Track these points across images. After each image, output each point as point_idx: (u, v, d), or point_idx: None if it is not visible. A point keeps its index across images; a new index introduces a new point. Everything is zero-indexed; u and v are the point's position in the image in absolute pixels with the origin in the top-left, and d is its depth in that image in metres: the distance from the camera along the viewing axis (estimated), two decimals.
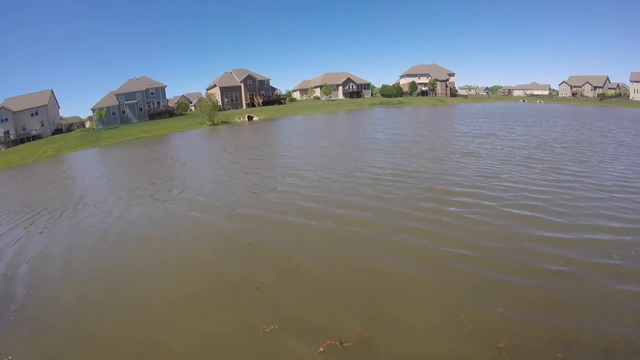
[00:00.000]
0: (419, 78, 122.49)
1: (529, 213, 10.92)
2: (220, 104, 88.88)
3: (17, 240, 13.22)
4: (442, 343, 5.54)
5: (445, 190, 13.83)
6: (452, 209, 11.59)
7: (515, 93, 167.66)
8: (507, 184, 14.42)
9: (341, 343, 5.37)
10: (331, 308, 6.40)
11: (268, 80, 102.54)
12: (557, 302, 6.53)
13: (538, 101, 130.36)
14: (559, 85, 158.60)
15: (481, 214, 10.91)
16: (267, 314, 6.33)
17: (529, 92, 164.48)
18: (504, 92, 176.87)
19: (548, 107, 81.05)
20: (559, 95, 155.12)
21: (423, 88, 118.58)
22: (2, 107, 78.44)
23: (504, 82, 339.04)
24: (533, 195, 12.80)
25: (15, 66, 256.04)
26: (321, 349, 5.26)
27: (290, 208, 12.70)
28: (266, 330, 5.80)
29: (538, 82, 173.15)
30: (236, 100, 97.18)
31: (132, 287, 8.35)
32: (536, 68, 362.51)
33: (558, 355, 5.11)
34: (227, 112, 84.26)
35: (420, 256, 8.39)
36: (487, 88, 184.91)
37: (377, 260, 8.18)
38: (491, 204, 11.86)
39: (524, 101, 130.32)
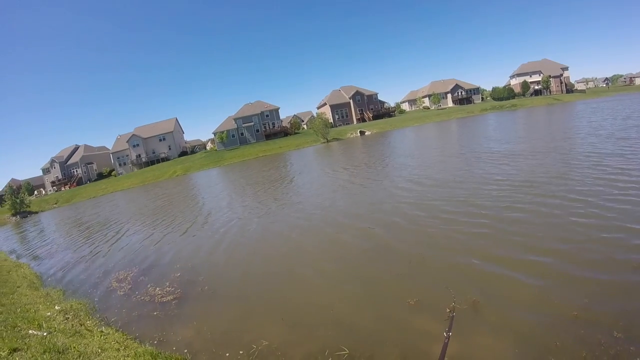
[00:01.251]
0: (530, 76, 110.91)
1: None
2: (331, 120, 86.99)
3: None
4: None
5: None
6: None
7: (638, 81, 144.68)
8: None
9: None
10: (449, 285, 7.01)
11: (376, 94, 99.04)
12: None
13: None
14: None
15: None
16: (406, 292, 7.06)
17: None
18: (625, 81, 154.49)
19: None
20: None
21: (536, 87, 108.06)
22: (133, 134, 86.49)
23: (624, 69, 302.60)
24: None
25: (145, 99, 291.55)
26: (447, 310, 6.11)
27: None
28: (411, 303, 6.61)
29: None
30: (346, 116, 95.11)
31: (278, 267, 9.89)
32: None
33: None
34: (339, 128, 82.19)
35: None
36: (606, 79, 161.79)
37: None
38: None
39: None
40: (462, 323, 5.78)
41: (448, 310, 6.17)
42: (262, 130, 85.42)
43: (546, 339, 5.16)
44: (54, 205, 60.71)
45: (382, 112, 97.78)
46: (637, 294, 5.81)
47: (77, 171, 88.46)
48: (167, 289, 9.71)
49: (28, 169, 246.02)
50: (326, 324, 6.62)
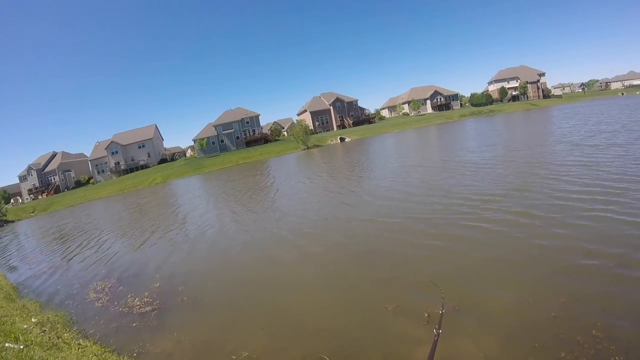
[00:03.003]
0: (508, 82, 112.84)
1: None
2: (312, 127, 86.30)
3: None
4: None
5: None
6: None
7: (613, 86, 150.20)
8: None
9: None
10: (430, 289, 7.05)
11: (356, 100, 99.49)
12: None
13: (638, 92, 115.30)
14: None
15: None
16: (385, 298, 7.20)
17: (627, 82, 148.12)
18: (600, 86, 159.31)
19: None
20: None
21: (513, 93, 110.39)
22: (112, 141, 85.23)
23: (600, 74, 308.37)
24: None
25: (123, 105, 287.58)
26: (426, 315, 6.26)
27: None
28: (389, 308, 6.73)
29: (635, 71, 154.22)
30: (327, 123, 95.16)
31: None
32: (634, 53, 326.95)
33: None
34: (319, 134, 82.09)
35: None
36: (582, 84, 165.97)
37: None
38: None
39: (622, 94, 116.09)
40: (442, 328, 5.77)
41: (427, 314, 6.26)
42: (242, 137, 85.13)
43: (525, 340, 5.24)
44: (31, 214, 59.43)
45: (362, 119, 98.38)
46: (614, 294, 5.97)
47: (54, 179, 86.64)
48: (146, 299, 9.63)
49: (4, 177, 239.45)
50: (307, 332, 6.64)
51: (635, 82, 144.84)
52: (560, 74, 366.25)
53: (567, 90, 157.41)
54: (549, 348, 5.00)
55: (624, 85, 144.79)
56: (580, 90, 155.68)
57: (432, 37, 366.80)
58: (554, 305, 5.90)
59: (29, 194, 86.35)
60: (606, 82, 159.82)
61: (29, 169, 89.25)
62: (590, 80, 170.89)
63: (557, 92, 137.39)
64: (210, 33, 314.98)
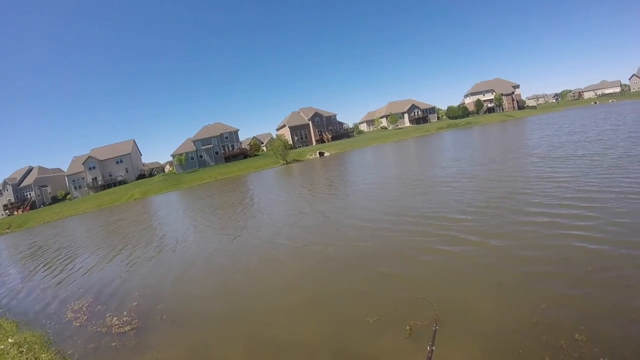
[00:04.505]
0: (484, 95, 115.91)
1: None
2: (291, 142, 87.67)
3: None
4: None
5: None
6: None
7: (586, 95, 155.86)
8: None
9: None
10: (411, 300, 7.39)
11: (334, 115, 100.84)
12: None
13: (610, 100, 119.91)
14: (630, 79, 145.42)
15: None
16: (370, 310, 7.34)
17: (599, 91, 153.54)
18: (574, 96, 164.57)
19: (622, 106, 74.84)
20: (632, 90, 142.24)
21: (489, 105, 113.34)
22: (89, 156, 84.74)
23: (573, 85, 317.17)
24: None
25: (101, 119, 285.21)
26: (408, 328, 6.33)
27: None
28: (371, 321, 6.82)
29: (607, 80, 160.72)
30: (306, 137, 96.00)
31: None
32: (603, 64, 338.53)
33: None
34: (298, 149, 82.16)
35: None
36: (556, 94, 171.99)
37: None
38: None
39: (595, 103, 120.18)
40: (425, 338, 5.89)
41: (408, 327, 6.30)
42: (221, 152, 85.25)
43: (509, 347, 5.31)
44: (7, 231, 58.58)
45: (341, 133, 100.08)
46: (594, 297, 6.16)
47: (30, 194, 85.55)
48: (125, 318, 9.48)
49: None
50: (289, 349, 6.60)
51: (607, 91, 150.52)
52: (535, 86, 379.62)
53: (541, 101, 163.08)
54: (534, 353, 5.08)
55: (596, 94, 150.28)
56: (554, 101, 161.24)
57: (409, 52, 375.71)
58: (536, 312, 6.02)
59: (5, 210, 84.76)
60: (579, 92, 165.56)
61: (5, 183, 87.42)
62: (564, 91, 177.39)
63: (532, 103, 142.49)
64: (190, 49, 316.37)
